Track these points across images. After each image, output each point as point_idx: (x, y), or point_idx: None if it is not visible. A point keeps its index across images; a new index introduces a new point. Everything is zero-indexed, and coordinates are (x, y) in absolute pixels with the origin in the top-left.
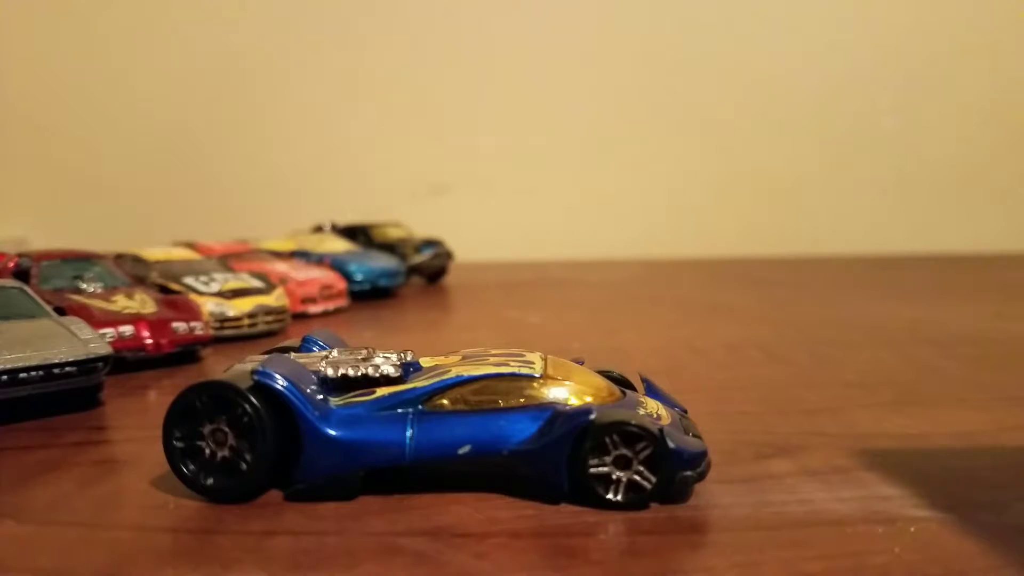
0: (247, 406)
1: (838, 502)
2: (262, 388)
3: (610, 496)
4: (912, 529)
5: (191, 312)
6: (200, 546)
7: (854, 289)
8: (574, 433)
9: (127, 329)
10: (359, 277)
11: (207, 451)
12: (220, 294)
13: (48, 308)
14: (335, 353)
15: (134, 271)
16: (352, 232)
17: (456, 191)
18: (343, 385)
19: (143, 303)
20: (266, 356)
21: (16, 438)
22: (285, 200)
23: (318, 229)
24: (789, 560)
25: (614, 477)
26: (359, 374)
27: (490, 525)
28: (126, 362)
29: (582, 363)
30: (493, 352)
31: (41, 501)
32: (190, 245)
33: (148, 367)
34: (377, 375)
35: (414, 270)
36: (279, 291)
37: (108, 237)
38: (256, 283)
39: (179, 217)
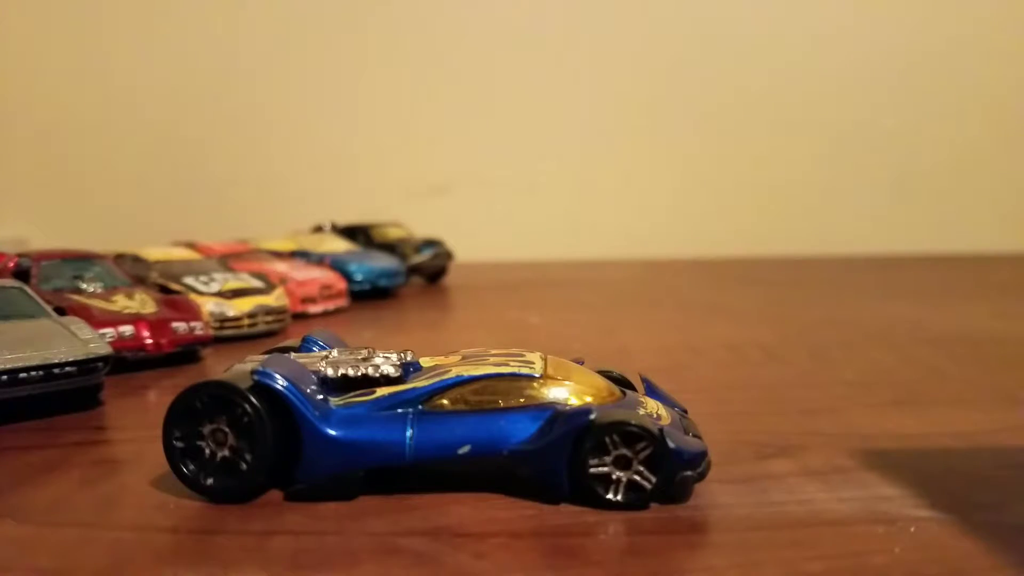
0: (247, 406)
1: (838, 502)
2: (262, 388)
3: (610, 496)
4: (912, 529)
5: (191, 312)
6: (200, 546)
7: (854, 289)
8: (574, 433)
9: (127, 329)
10: (359, 277)
11: (207, 451)
12: (220, 294)
13: (48, 308)
14: (335, 353)
15: (134, 271)
16: (352, 232)
17: (456, 191)
18: (343, 385)
19: (143, 303)
20: (266, 356)
21: (16, 438)
22: (285, 200)
23: (318, 229)
24: (789, 560)
25: (614, 477)
26: (359, 374)
27: (490, 525)
28: (126, 362)
29: (582, 363)
30: (493, 352)
31: (41, 501)
32: (190, 245)
33: (148, 367)
34: (377, 375)
35: (414, 270)
36: (279, 291)
37: (108, 237)
38: (256, 283)
39: (179, 217)
